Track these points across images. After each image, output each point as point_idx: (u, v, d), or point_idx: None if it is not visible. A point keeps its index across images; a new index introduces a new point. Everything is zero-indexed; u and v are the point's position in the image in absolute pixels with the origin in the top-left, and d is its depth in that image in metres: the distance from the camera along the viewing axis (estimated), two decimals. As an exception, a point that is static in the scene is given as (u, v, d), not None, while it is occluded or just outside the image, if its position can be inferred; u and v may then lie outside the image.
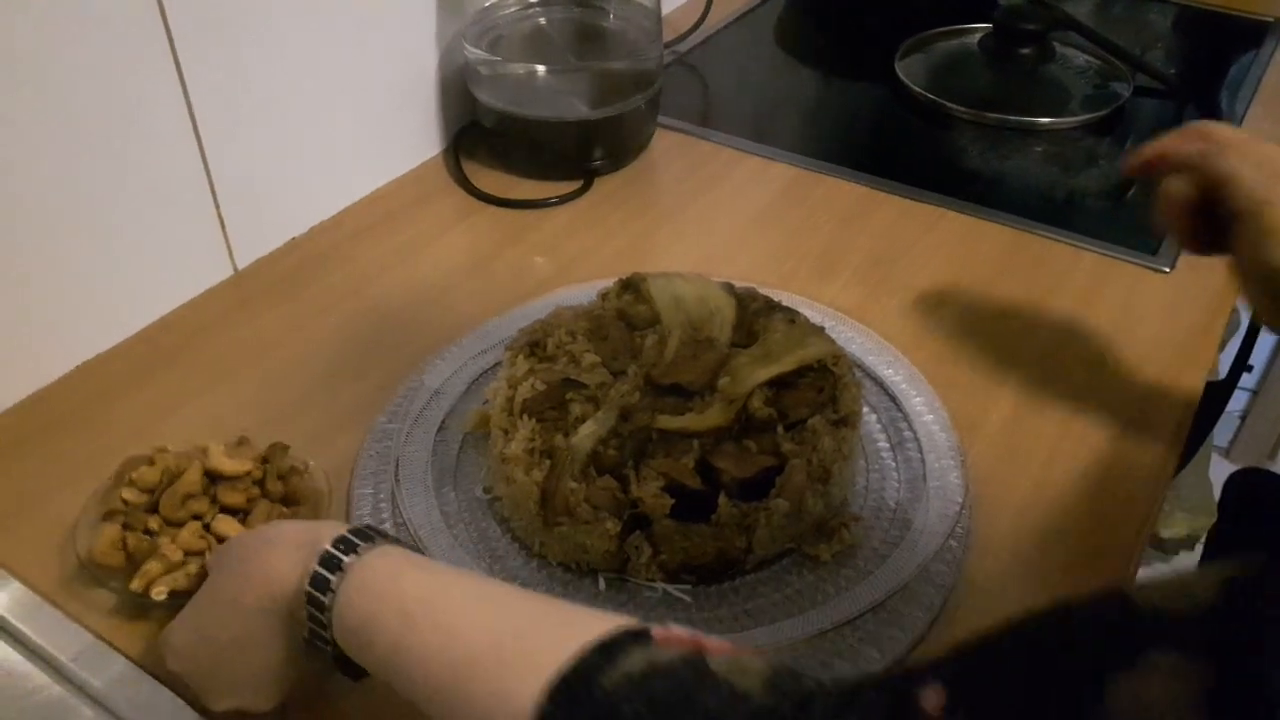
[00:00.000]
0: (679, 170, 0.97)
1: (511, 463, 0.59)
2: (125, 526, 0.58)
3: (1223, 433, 1.93)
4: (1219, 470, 1.95)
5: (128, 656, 0.56)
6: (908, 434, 0.68)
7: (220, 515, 0.58)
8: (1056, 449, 0.68)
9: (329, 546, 0.45)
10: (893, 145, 1.05)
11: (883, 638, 0.56)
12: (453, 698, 0.39)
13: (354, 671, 0.46)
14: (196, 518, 0.58)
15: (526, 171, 0.94)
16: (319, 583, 0.44)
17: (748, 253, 0.85)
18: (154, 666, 0.55)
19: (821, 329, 0.67)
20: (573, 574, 0.59)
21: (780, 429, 0.60)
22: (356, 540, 0.45)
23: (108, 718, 0.54)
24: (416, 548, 0.49)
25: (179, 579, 0.55)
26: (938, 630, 0.56)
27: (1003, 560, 0.61)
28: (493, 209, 0.90)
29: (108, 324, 0.75)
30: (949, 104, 1.05)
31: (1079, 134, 1.03)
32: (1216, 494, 1.81)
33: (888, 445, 0.67)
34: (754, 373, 0.61)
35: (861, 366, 0.71)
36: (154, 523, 0.58)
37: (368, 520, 0.62)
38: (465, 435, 0.67)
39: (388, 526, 0.61)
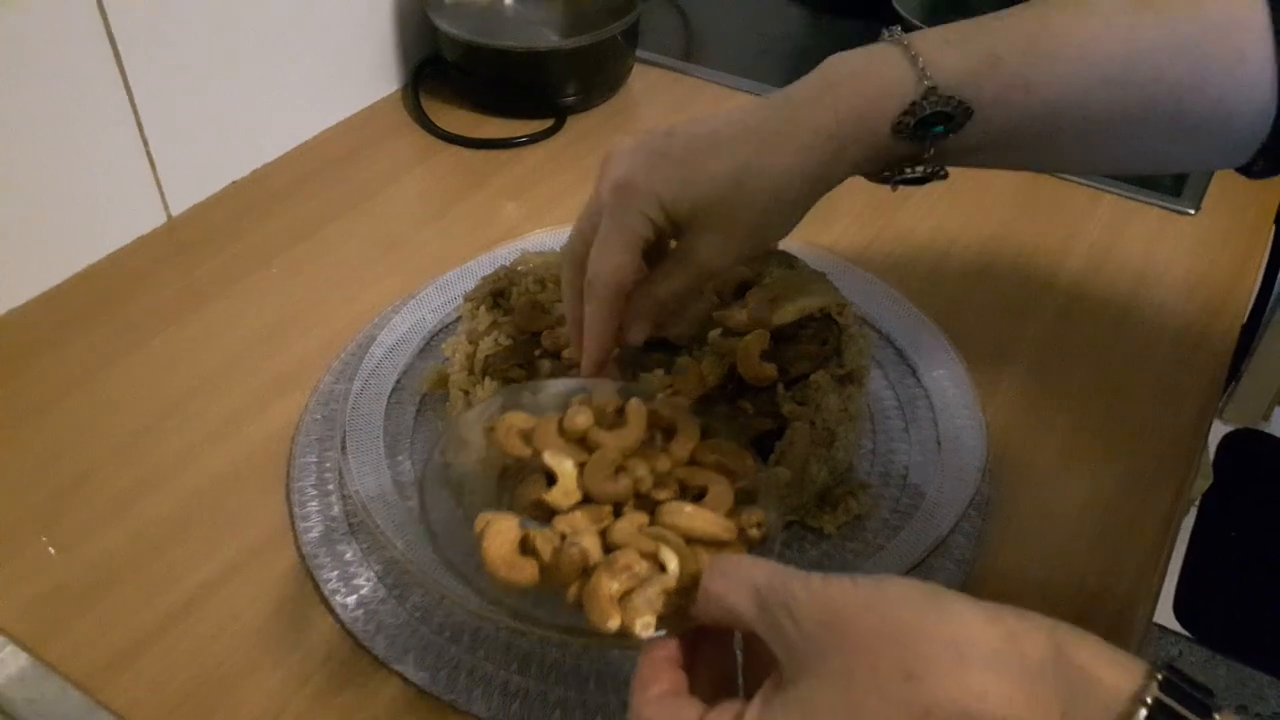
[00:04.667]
0: (659, 107, 0.89)
1: (472, 428, 0.52)
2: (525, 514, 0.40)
3: (1217, 392, 1.89)
4: (1213, 431, 1.92)
5: (31, 653, 0.49)
6: (917, 391, 0.61)
7: (666, 501, 0.40)
8: (1083, 407, 0.61)
9: None
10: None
11: (896, 621, 0.49)
12: None
13: None
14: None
15: (493, 108, 0.86)
16: None
17: (736, 196, 0.78)
18: (61, 662, 0.48)
19: (823, 275, 0.59)
20: (544, 552, 0.52)
21: (780, 387, 0.53)
22: (1190, 716, 0.29)
23: (4, 723, 0.47)
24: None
25: (656, 602, 0.37)
26: (958, 612, 0.50)
27: (1028, 532, 0.54)
28: (455, 149, 0.83)
29: (24, 275, 0.67)
30: (950, 38, 0.98)
31: (1090, 70, 0.96)
32: (1211, 455, 1.78)
33: (896, 404, 0.60)
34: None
35: (865, 317, 0.64)
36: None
37: (312, 488, 0.55)
38: (422, 396, 0.60)
39: (333, 500, 0.54)
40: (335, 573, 0.51)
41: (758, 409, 0.52)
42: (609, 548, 0.39)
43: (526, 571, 0.38)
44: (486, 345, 0.55)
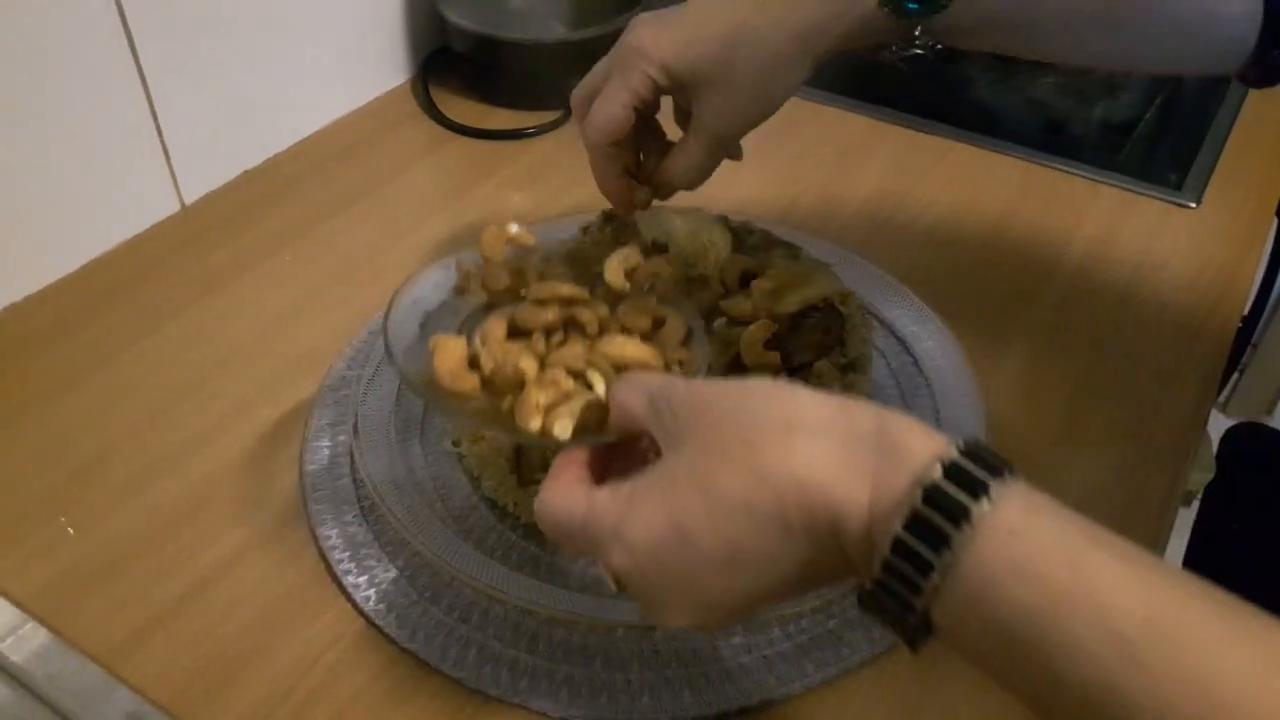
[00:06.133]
0: (667, 99, 0.89)
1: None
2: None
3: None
4: (1216, 424, 1.92)
5: (51, 629, 0.50)
6: (919, 380, 0.62)
7: (610, 335, 0.45)
8: (1080, 397, 0.62)
9: (939, 478, 0.30)
10: (896, 76, 0.98)
11: (896, 604, 0.50)
12: None
13: (919, 639, 0.32)
14: (569, 328, 0.46)
15: (501, 99, 0.87)
16: (926, 532, 0.30)
17: (744, 185, 0.78)
18: (79, 638, 0.49)
19: (826, 265, 0.60)
20: (551, 535, 0.53)
21: (783, 375, 0.54)
22: (980, 474, 0.30)
23: (26, 697, 0.48)
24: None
25: (576, 411, 0.41)
26: (956, 595, 0.51)
27: (1025, 518, 0.55)
28: (464, 140, 0.84)
29: (39, 263, 0.68)
30: (955, 31, 0.98)
31: (1094, 64, 0.96)
32: (1214, 448, 1.78)
33: (897, 392, 0.61)
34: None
35: (868, 306, 0.65)
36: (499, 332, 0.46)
37: (325, 471, 0.56)
38: (432, 383, 0.61)
39: (345, 484, 0.55)
40: (347, 554, 0.52)
41: (761, 396, 0.53)
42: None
43: (469, 383, 0.44)
44: (495, 332, 0.56)
